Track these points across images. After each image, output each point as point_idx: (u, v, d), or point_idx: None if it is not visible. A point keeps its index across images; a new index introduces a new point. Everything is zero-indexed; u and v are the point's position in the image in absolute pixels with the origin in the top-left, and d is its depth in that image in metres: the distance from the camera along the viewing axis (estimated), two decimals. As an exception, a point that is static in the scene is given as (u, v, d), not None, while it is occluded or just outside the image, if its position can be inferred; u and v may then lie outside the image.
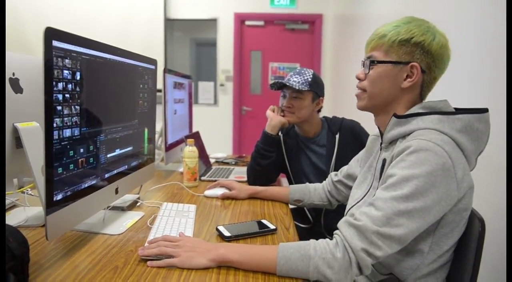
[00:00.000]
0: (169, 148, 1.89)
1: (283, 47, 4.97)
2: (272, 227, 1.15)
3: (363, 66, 1.01)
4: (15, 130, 1.00)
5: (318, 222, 1.68)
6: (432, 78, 0.95)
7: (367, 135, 1.66)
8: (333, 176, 1.39)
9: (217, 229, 1.11)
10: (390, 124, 0.95)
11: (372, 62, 0.97)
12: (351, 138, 1.64)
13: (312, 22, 4.91)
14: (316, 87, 1.62)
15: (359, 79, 1.02)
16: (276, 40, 4.97)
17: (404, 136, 0.92)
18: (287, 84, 1.59)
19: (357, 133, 1.66)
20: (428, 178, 0.81)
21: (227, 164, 2.24)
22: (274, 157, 1.64)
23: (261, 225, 1.17)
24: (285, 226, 1.22)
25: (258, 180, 1.67)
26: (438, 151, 0.82)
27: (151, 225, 1.16)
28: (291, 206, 1.51)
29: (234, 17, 4.84)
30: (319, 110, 1.72)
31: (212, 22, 4.89)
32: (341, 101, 4.21)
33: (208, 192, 1.52)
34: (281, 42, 4.97)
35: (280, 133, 1.69)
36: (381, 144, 1.03)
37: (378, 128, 1.06)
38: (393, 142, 0.96)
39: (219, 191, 1.51)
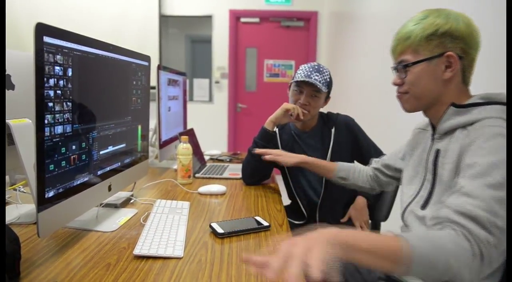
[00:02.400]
0: (163, 145, 1.88)
1: (279, 44, 4.97)
2: (265, 224, 1.15)
3: (397, 72, 0.99)
4: (7, 127, 0.99)
5: (312, 218, 1.68)
6: (470, 60, 0.94)
7: (360, 130, 1.71)
8: (373, 162, 1.38)
9: (210, 226, 1.11)
10: (448, 114, 0.93)
11: (406, 66, 0.95)
12: (346, 132, 1.67)
13: (308, 19, 4.91)
14: (330, 88, 1.64)
15: (397, 85, 1.00)
16: (271, 37, 4.96)
17: (464, 126, 0.89)
18: (314, 83, 1.55)
19: (351, 127, 1.68)
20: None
21: (222, 161, 2.24)
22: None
23: (254, 222, 1.17)
24: (278, 223, 1.22)
25: (254, 176, 1.68)
26: None
27: (144, 222, 1.15)
28: (285, 203, 1.51)
29: (229, 14, 4.83)
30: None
31: (207, 19, 4.88)
32: (336, 98, 4.21)
33: (202, 189, 1.52)
34: (276, 39, 4.96)
35: (275, 128, 1.69)
36: (433, 135, 1.00)
37: (430, 120, 1.03)
38: (449, 132, 0.93)
39: (213, 188, 1.52)
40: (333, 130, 1.66)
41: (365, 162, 1.72)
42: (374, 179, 1.36)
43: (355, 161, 1.74)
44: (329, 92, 1.65)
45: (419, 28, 0.93)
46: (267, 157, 1.48)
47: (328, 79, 1.61)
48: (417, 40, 0.93)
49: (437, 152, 0.95)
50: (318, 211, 1.67)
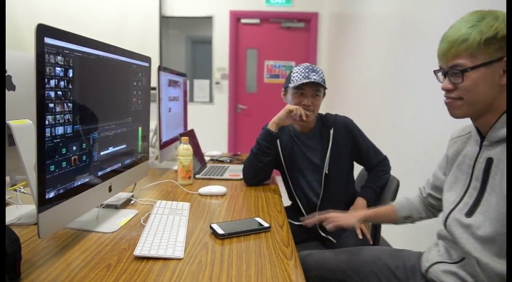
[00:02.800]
0: (163, 145, 1.88)
1: (279, 45, 4.97)
2: (266, 225, 1.15)
3: (447, 77, 0.94)
4: (8, 128, 0.99)
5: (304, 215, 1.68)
6: None
7: (359, 131, 1.70)
8: (421, 190, 1.30)
9: (210, 227, 1.11)
10: (501, 122, 0.90)
11: (463, 71, 0.90)
12: (344, 133, 1.66)
13: (308, 21, 4.91)
14: (325, 86, 1.63)
15: (447, 90, 0.95)
16: (272, 38, 4.97)
17: None
18: (318, 82, 1.55)
19: (350, 128, 1.67)
20: None
21: (222, 162, 2.24)
22: (274, 154, 1.66)
23: (255, 223, 1.17)
24: (278, 224, 1.22)
25: (257, 177, 1.68)
26: None
27: (145, 223, 1.15)
28: (285, 204, 1.51)
29: (230, 15, 4.83)
30: None
31: (207, 20, 4.88)
32: (335, 99, 4.22)
33: (202, 190, 1.52)
34: (276, 40, 4.97)
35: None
36: (481, 143, 0.97)
37: (477, 128, 0.99)
38: (502, 140, 0.91)
39: (214, 188, 1.52)
40: (331, 131, 1.65)
41: (365, 163, 1.75)
42: (429, 205, 1.27)
43: (354, 163, 1.74)
44: (325, 90, 1.66)
45: (477, 31, 0.87)
46: (329, 226, 1.32)
47: (323, 77, 1.61)
48: (476, 44, 0.87)
49: (489, 161, 0.92)
50: (318, 212, 1.67)
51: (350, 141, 1.67)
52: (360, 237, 1.45)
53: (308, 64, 1.62)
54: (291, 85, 1.60)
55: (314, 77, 1.56)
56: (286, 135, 1.73)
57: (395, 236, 2.48)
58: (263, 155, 1.62)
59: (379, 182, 1.68)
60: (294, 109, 1.58)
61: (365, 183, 1.70)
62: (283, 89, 1.71)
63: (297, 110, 1.58)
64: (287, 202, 1.66)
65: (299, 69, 1.60)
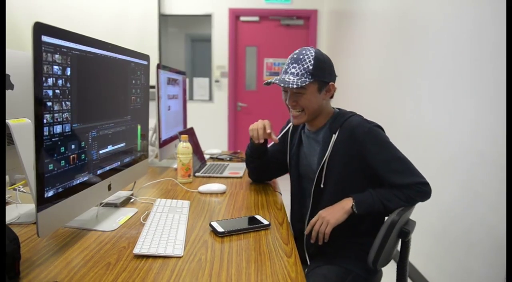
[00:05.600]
0: (163, 144, 1.88)
1: (278, 43, 4.96)
2: (265, 222, 1.15)
3: None
4: (6, 127, 0.99)
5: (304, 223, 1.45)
6: None
7: (375, 142, 1.29)
8: None
9: (210, 225, 1.11)
10: None
11: None
12: (348, 142, 1.31)
13: (307, 18, 4.90)
14: (321, 75, 1.30)
15: None
16: (271, 36, 4.96)
17: None
18: (281, 85, 1.29)
19: (357, 137, 1.29)
20: None
21: (222, 160, 2.24)
22: (260, 163, 1.60)
23: (254, 220, 1.17)
24: (278, 221, 1.22)
25: (254, 175, 1.69)
26: None
27: (144, 222, 1.15)
28: (285, 202, 1.50)
29: (229, 12, 4.82)
30: (331, 96, 1.40)
31: (206, 18, 4.87)
32: (336, 96, 4.21)
33: (202, 188, 1.52)
34: (276, 38, 4.96)
35: (289, 127, 1.56)
36: None
37: None
38: None
39: (214, 186, 1.52)
40: (335, 135, 1.33)
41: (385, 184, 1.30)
42: None
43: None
44: (323, 80, 1.32)
45: None
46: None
47: (311, 67, 1.28)
48: None
49: None
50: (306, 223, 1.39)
51: (354, 152, 1.30)
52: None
53: (299, 50, 1.33)
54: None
55: (293, 70, 1.30)
56: (295, 134, 1.53)
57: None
58: (249, 159, 1.62)
59: (389, 197, 1.25)
60: (251, 131, 1.46)
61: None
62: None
63: (254, 131, 1.46)
64: (286, 200, 1.60)
65: (286, 61, 1.36)
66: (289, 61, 1.34)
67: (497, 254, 1.55)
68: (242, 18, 4.90)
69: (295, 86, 1.27)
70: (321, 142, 1.38)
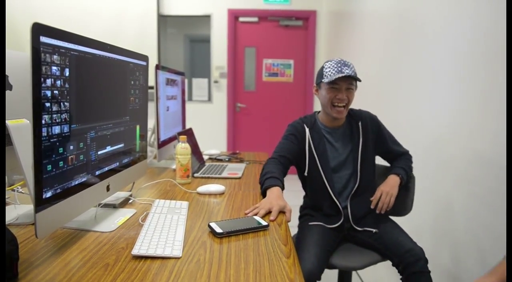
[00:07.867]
0: (161, 144, 1.88)
1: (277, 43, 4.97)
2: (264, 223, 1.15)
3: None
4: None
5: (342, 214, 1.65)
6: None
7: (382, 124, 1.78)
8: None
9: (209, 226, 1.11)
10: None
11: None
12: (371, 126, 1.73)
13: (306, 19, 4.91)
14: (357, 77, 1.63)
15: None
16: (270, 36, 4.96)
17: None
18: (353, 75, 1.56)
19: (376, 121, 1.76)
20: None
21: (221, 160, 2.24)
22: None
23: (253, 221, 1.17)
24: (277, 222, 1.22)
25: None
26: None
27: (143, 222, 1.15)
28: (294, 203, 1.51)
29: (228, 13, 4.82)
30: None
31: (205, 19, 4.87)
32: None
33: (200, 189, 1.52)
34: (275, 38, 4.96)
35: (306, 128, 1.69)
36: None
37: None
38: None
39: (212, 187, 1.51)
40: (360, 124, 1.70)
41: (390, 155, 1.80)
42: None
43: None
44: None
45: None
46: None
47: (355, 71, 1.62)
48: None
49: None
50: (350, 209, 1.67)
51: (375, 133, 1.74)
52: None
53: (340, 58, 1.62)
54: (324, 80, 1.61)
55: (347, 71, 1.57)
56: (317, 133, 1.70)
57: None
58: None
59: (409, 163, 1.75)
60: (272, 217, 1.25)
61: (394, 164, 1.77)
62: (315, 85, 1.71)
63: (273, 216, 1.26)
64: (294, 201, 1.56)
65: (331, 64, 1.61)
66: (338, 64, 1.60)
67: (496, 254, 1.55)
68: (241, 19, 4.90)
69: (357, 81, 1.61)
70: (350, 132, 1.71)
